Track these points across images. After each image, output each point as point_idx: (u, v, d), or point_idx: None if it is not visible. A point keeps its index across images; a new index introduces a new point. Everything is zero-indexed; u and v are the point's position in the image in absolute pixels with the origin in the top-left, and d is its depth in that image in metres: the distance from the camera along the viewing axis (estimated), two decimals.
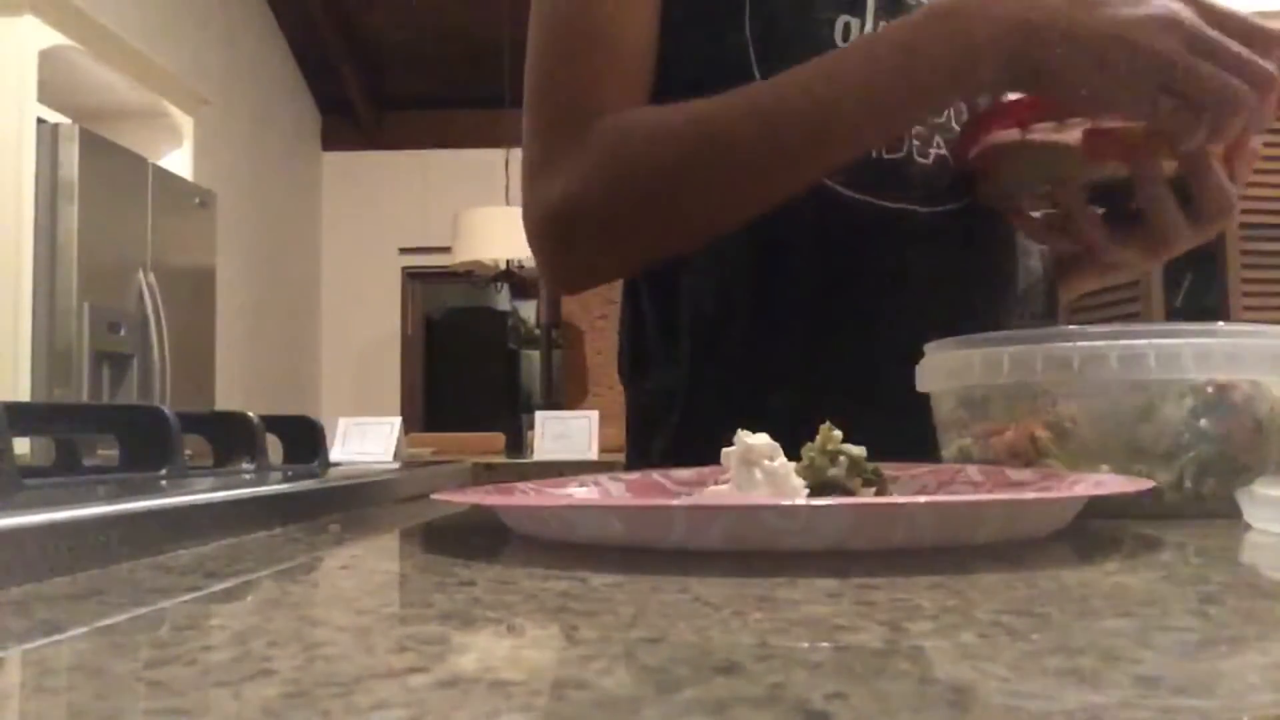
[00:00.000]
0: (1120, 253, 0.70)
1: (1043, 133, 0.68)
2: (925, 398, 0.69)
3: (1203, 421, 0.51)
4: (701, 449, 0.65)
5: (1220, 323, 0.54)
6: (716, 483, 0.51)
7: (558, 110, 0.72)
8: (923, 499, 0.45)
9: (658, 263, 0.77)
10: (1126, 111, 0.63)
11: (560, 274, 0.76)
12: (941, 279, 0.75)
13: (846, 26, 0.73)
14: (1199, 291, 3.26)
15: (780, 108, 0.66)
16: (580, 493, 0.54)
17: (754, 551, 0.38)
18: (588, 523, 0.41)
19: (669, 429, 0.79)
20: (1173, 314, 3.19)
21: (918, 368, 0.62)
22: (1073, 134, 0.67)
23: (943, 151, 0.76)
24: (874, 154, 0.73)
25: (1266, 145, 3.23)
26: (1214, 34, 0.59)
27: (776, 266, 0.75)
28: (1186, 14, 0.59)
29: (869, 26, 0.74)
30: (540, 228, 0.73)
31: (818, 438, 0.50)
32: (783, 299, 0.75)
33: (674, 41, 0.75)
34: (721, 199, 0.69)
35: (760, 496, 0.46)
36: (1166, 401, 0.52)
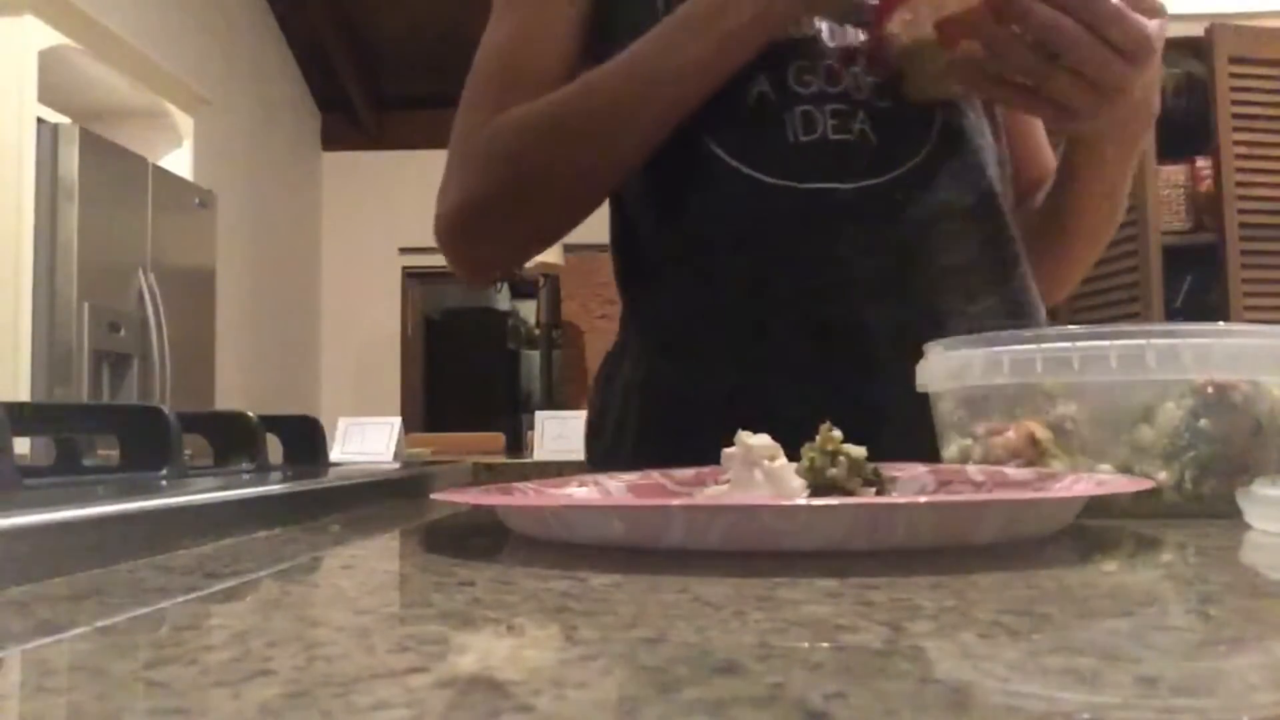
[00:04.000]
0: (1067, 92, 0.69)
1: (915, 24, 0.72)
2: (866, 371, 0.74)
3: (1203, 421, 0.51)
4: (659, 438, 0.78)
5: (1220, 323, 0.54)
6: (717, 483, 0.51)
7: (461, 136, 0.82)
8: (923, 499, 0.45)
9: (549, 241, 0.85)
10: None
11: (465, 268, 0.86)
12: (870, 252, 0.77)
13: None
14: (1199, 291, 3.26)
15: (612, 80, 0.76)
16: (580, 493, 0.54)
17: (754, 551, 0.38)
18: (587, 523, 0.41)
19: (629, 421, 0.84)
20: (1173, 314, 3.19)
21: (918, 368, 0.62)
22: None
23: (864, 126, 0.77)
24: (791, 138, 0.77)
25: (1267, 145, 3.24)
26: None
27: (709, 260, 0.79)
28: None
29: None
30: (439, 234, 0.83)
31: (818, 438, 0.50)
32: (718, 287, 0.79)
33: (602, 55, 0.80)
34: (580, 167, 0.79)
35: (760, 497, 0.46)
36: (1166, 401, 0.52)
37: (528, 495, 0.50)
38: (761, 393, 0.76)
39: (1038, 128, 0.94)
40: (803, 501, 0.41)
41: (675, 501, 0.40)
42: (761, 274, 0.78)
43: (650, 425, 0.82)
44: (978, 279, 0.80)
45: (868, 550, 0.38)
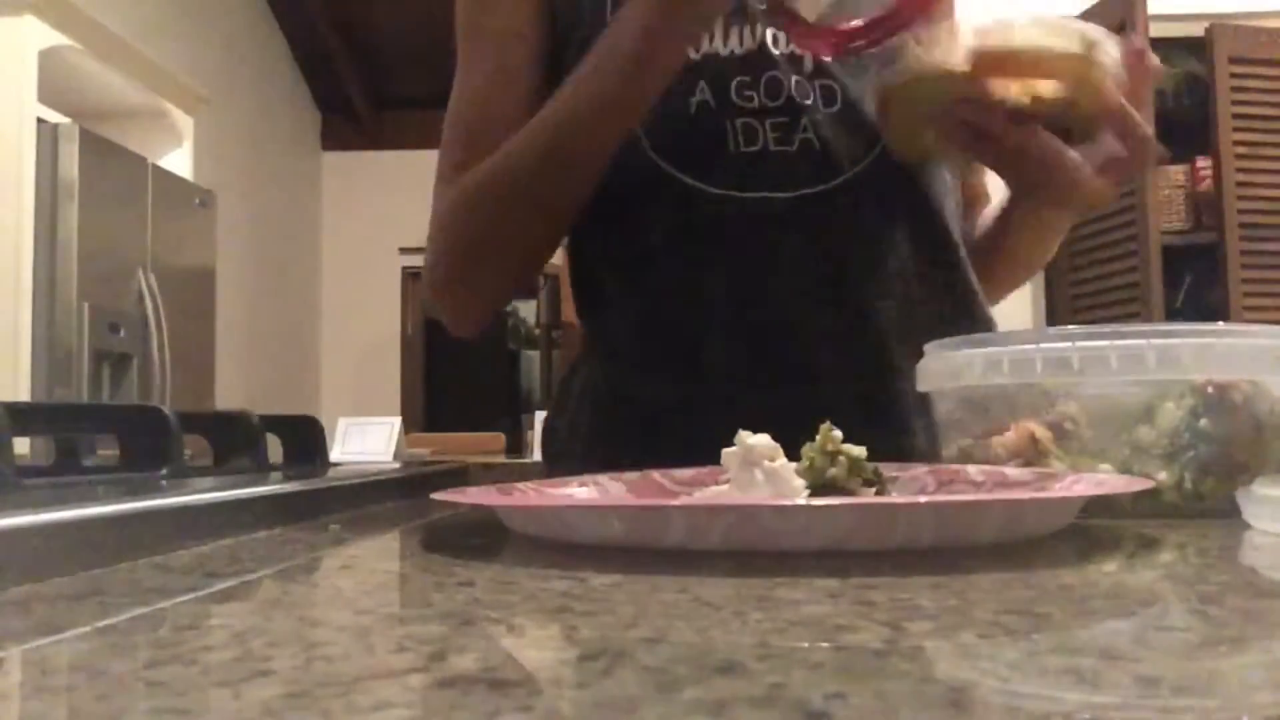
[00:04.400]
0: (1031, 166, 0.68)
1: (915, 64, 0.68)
2: (806, 373, 0.76)
3: (1203, 421, 0.51)
4: (608, 442, 0.80)
5: (1220, 323, 0.54)
6: (717, 483, 0.51)
7: (433, 202, 0.84)
8: (923, 499, 0.45)
9: (522, 283, 0.88)
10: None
11: (450, 322, 0.88)
12: (809, 260, 0.78)
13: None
14: (1199, 291, 3.26)
15: (529, 137, 0.76)
16: (580, 493, 0.54)
17: (754, 551, 0.38)
18: (587, 523, 0.41)
19: (581, 424, 0.86)
20: (1173, 314, 3.19)
21: (918, 368, 0.62)
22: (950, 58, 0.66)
23: (808, 135, 0.78)
24: (731, 148, 0.78)
25: (1267, 145, 3.24)
26: None
27: (649, 267, 0.81)
28: None
29: (719, 36, 0.79)
30: (427, 294, 0.87)
31: (818, 438, 0.50)
32: (658, 295, 0.80)
33: (559, 75, 0.80)
34: (521, 223, 0.80)
35: (760, 497, 0.46)
36: (1166, 401, 0.52)
37: (528, 495, 0.50)
38: (704, 399, 0.77)
39: None
40: (802, 502, 0.41)
41: (675, 502, 0.40)
42: (698, 282, 0.79)
43: (599, 430, 0.84)
44: (921, 285, 0.81)
45: (868, 550, 0.38)
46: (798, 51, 0.79)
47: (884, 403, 0.77)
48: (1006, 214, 0.86)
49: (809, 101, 0.78)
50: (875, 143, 0.79)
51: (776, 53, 0.79)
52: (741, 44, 0.79)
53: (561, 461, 0.86)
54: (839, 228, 0.78)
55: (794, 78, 0.78)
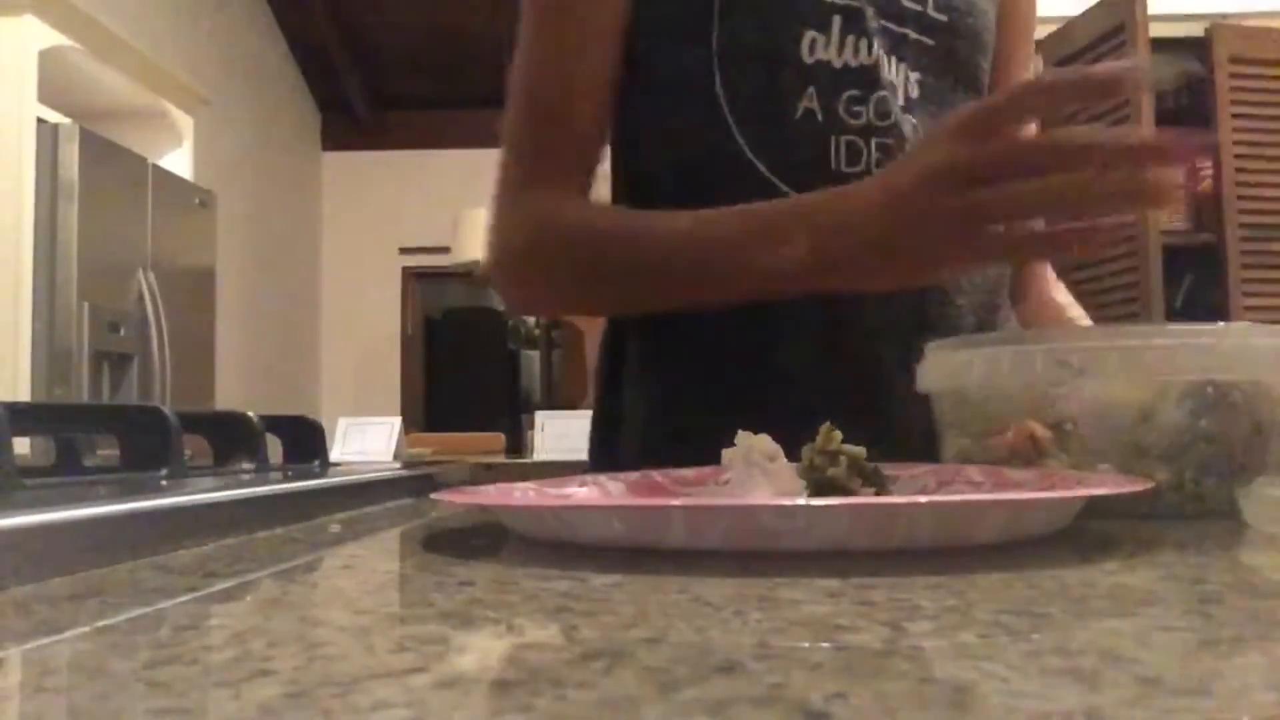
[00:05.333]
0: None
1: None
2: (881, 391, 0.74)
3: (1203, 421, 0.51)
4: (656, 450, 0.75)
5: (1220, 323, 0.54)
6: (718, 483, 0.51)
7: (518, 168, 0.81)
8: (922, 499, 0.45)
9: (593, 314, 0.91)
10: (978, 264, 0.68)
11: (509, 306, 0.89)
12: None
13: (813, 42, 0.76)
14: (1199, 291, 3.26)
15: (658, 253, 0.74)
16: (580, 493, 0.54)
17: (754, 551, 0.38)
18: (587, 523, 0.41)
19: (633, 434, 0.84)
20: (1173, 314, 3.19)
21: (919, 367, 0.62)
22: None
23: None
24: (833, 166, 0.75)
25: (1267, 145, 3.24)
26: (988, 158, 0.57)
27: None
28: (950, 160, 0.58)
29: (834, 44, 0.76)
30: (489, 268, 0.83)
31: (818, 438, 0.50)
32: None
33: (644, 48, 0.79)
34: (610, 298, 0.82)
35: (760, 497, 0.46)
36: (1166, 402, 0.51)
37: (528, 495, 0.50)
38: (777, 402, 0.75)
39: None
40: (802, 501, 0.41)
41: (675, 502, 0.39)
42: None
43: (654, 426, 0.83)
44: (993, 299, 0.81)
45: (868, 550, 0.38)
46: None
47: None
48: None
49: (908, 130, 0.78)
50: None
51: (884, 75, 0.77)
52: (856, 56, 0.76)
53: (613, 459, 0.83)
54: None
55: (898, 103, 0.77)
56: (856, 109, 0.76)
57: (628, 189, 0.85)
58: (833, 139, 0.76)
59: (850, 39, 0.76)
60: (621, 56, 0.80)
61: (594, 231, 0.78)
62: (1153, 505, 0.50)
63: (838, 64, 0.76)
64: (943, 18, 0.79)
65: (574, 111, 0.80)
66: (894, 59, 0.78)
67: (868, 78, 0.77)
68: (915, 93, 0.79)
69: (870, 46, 0.77)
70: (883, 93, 0.77)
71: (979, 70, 0.83)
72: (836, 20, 0.76)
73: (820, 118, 0.76)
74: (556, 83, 0.80)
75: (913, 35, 0.79)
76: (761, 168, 0.76)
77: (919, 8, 0.79)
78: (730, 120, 0.76)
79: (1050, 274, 0.93)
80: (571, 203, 0.80)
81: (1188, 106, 3.27)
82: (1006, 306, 0.85)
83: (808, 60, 0.75)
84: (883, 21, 0.78)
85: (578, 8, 0.79)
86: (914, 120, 0.78)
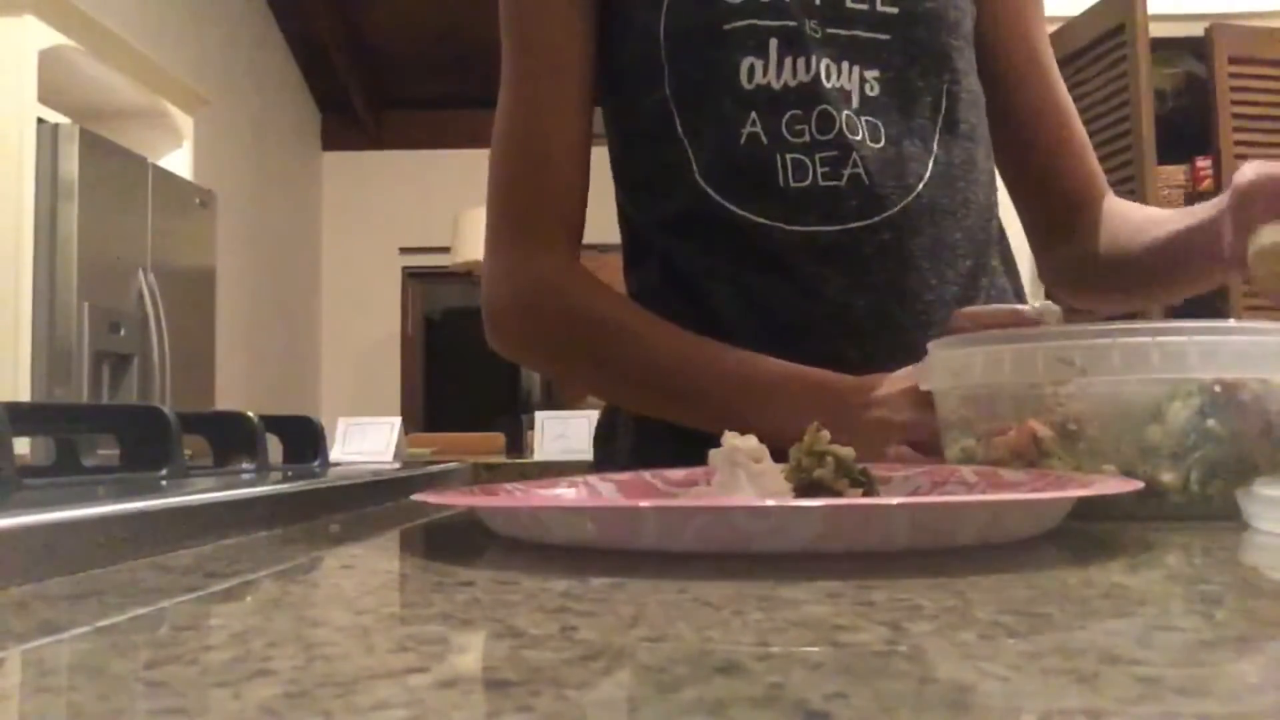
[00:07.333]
0: None
1: None
2: None
3: (1210, 421, 0.50)
4: (649, 453, 0.79)
5: (1231, 320, 0.53)
6: (709, 484, 0.51)
7: (505, 219, 0.87)
8: (896, 500, 0.45)
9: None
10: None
11: (495, 348, 0.90)
12: (854, 292, 0.79)
13: (751, 68, 0.79)
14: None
15: (651, 370, 0.80)
16: (568, 494, 0.54)
17: (753, 553, 0.38)
18: (561, 524, 0.41)
19: (626, 437, 0.89)
20: (1173, 314, 3.18)
21: (920, 367, 0.62)
22: None
23: (857, 170, 0.78)
24: (781, 182, 0.78)
25: (1267, 146, 3.24)
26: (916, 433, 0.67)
27: (700, 294, 0.83)
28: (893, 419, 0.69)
29: (772, 68, 0.78)
30: (484, 315, 0.88)
31: (805, 438, 0.49)
32: (709, 321, 0.81)
33: (612, 98, 0.86)
34: (582, 382, 0.90)
35: (742, 498, 0.45)
36: (1173, 401, 0.50)
37: (511, 496, 0.49)
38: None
39: (1075, 135, 0.93)
40: (774, 502, 0.40)
41: (645, 503, 0.39)
42: (747, 311, 0.80)
43: (645, 439, 0.85)
44: (959, 302, 0.82)
45: (867, 551, 0.38)
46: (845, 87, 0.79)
47: None
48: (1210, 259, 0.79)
49: (858, 136, 0.79)
50: (920, 178, 0.79)
51: (829, 85, 0.79)
52: (795, 76, 0.78)
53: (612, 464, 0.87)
54: (883, 260, 0.79)
55: (845, 111, 0.79)
56: (799, 127, 0.79)
57: (628, 238, 0.91)
58: (778, 158, 0.78)
59: (788, 60, 0.78)
60: (592, 112, 0.85)
61: (597, 321, 0.83)
62: (1159, 507, 0.50)
63: (777, 86, 0.78)
64: (893, 10, 0.80)
65: (549, 177, 0.84)
66: (843, 64, 0.79)
67: (808, 95, 0.78)
68: (874, 90, 0.80)
69: (809, 63, 0.79)
70: (824, 107, 0.78)
71: (948, 50, 0.82)
72: (773, 43, 0.78)
73: (765, 140, 0.79)
74: (532, 147, 0.85)
75: (863, 35, 0.79)
76: (713, 193, 0.80)
77: (864, 6, 0.79)
78: (692, 157, 0.80)
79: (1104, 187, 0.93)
80: (577, 278, 0.84)
81: (1188, 106, 3.27)
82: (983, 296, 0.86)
83: (747, 87, 0.78)
84: (828, 30, 0.79)
85: (543, 75, 0.84)
86: (872, 119, 0.79)
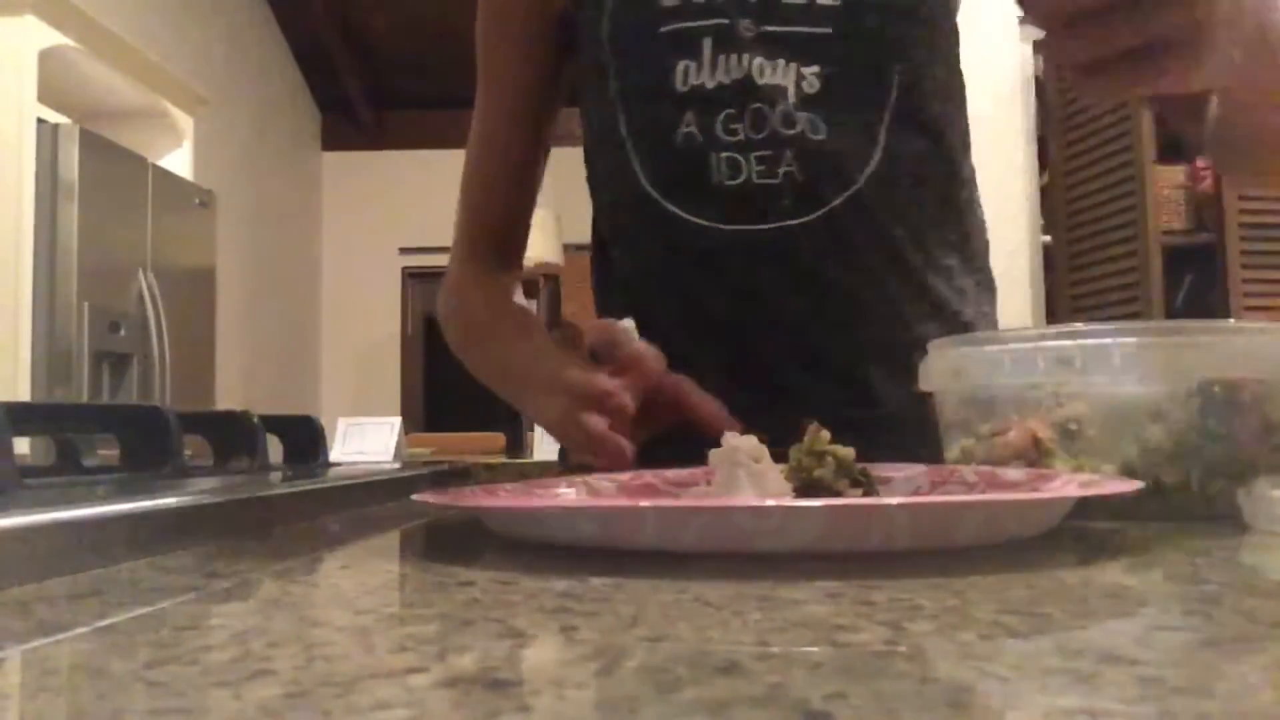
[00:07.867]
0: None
1: None
2: (786, 399, 0.77)
3: (1210, 421, 0.50)
4: (649, 453, 0.80)
5: (1230, 320, 0.53)
6: (710, 483, 0.51)
7: (458, 241, 0.95)
8: (896, 500, 0.45)
9: None
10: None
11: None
12: (789, 290, 0.80)
13: (685, 69, 0.80)
14: (1199, 291, 3.26)
15: (489, 366, 0.92)
16: (568, 493, 0.54)
17: (754, 553, 0.38)
18: (561, 524, 0.41)
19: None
20: (1173, 314, 3.19)
21: (920, 367, 0.62)
22: None
23: (791, 168, 0.78)
24: (714, 180, 0.79)
25: None
26: None
27: (643, 293, 0.85)
28: None
29: (706, 67, 0.80)
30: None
31: (805, 438, 0.49)
32: (651, 320, 0.81)
33: (579, 102, 0.90)
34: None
35: (742, 498, 0.45)
36: (1173, 401, 0.50)
37: (511, 496, 0.49)
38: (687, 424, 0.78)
39: None
40: (774, 502, 0.40)
41: (645, 503, 0.39)
42: (684, 309, 0.82)
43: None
44: (911, 309, 0.81)
45: (867, 551, 0.38)
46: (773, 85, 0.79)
47: (864, 426, 0.77)
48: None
49: (794, 131, 0.78)
50: (859, 175, 0.79)
51: (762, 82, 0.79)
52: (729, 74, 0.79)
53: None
54: (822, 258, 0.79)
55: (780, 108, 0.78)
56: (734, 126, 0.79)
57: (594, 234, 0.94)
58: (711, 156, 0.79)
59: (722, 59, 0.79)
60: (548, 130, 0.92)
61: (464, 323, 0.94)
62: (1160, 507, 0.50)
63: (711, 85, 0.79)
64: (835, 2, 0.78)
65: (495, 202, 0.93)
66: (778, 62, 0.79)
67: (740, 93, 0.79)
68: (814, 87, 0.79)
69: (741, 61, 0.79)
70: (758, 105, 0.78)
71: (900, 38, 0.79)
72: (707, 43, 0.79)
73: (700, 139, 0.79)
74: (480, 177, 0.93)
75: (802, 30, 0.79)
76: (654, 192, 0.81)
77: (802, 1, 0.79)
78: (633, 157, 0.82)
79: None
80: (477, 282, 0.93)
81: None
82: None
83: (681, 89, 0.80)
84: (763, 28, 0.79)
85: (500, 102, 0.90)
86: (810, 114, 0.78)
